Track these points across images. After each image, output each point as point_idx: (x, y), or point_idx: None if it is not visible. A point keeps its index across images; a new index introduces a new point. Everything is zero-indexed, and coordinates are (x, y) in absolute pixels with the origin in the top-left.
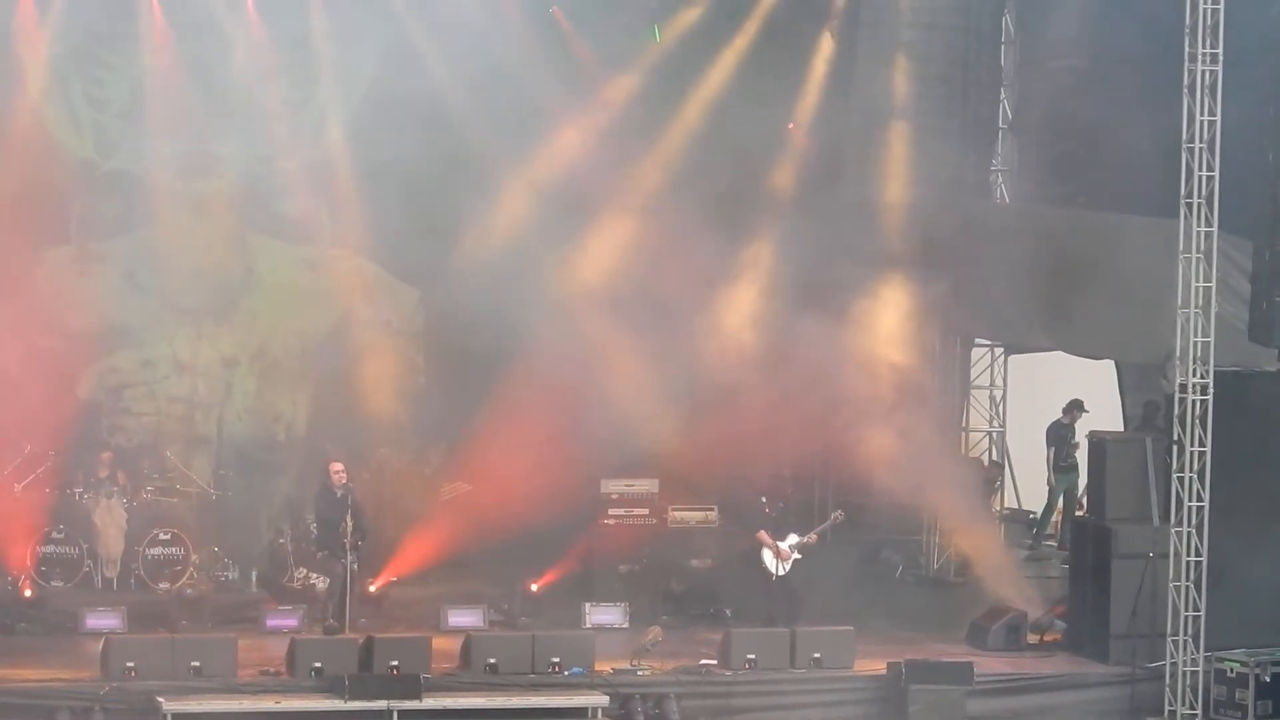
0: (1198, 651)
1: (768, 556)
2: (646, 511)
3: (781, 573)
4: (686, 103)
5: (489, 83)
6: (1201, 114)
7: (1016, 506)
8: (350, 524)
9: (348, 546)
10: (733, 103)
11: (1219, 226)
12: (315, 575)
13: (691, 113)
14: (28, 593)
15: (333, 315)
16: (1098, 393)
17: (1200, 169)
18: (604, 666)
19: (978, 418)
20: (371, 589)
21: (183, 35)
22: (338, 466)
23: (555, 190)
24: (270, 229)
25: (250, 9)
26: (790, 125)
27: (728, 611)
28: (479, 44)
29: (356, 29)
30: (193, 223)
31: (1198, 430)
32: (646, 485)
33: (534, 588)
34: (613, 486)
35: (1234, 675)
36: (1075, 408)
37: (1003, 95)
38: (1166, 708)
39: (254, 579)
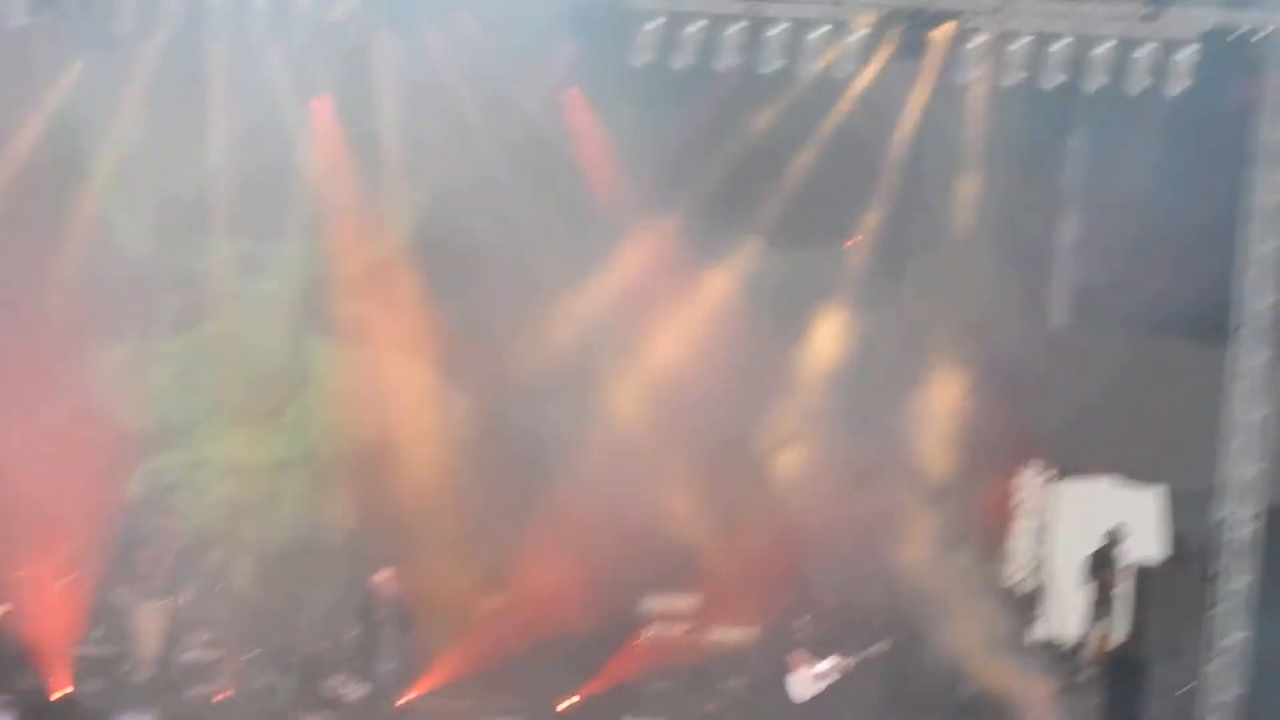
0: None
1: (799, 679)
2: (686, 628)
3: (815, 693)
4: (750, 220)
5: (551, 191)
6: (1259, 242)
7: (1056, 636)
8: (390, 633)
9: (386, 656)
10: (797, 215)
11: (1273, 357)
12: (351, 683)
13: (755, 229)
14: (59, 693)
15: (385, 421)
16: (1142, 521)
17: (1255, 298)
18: None
19: (1021, 545)
20: (406, 700)
21: (248, 132)
22: (386, 575)
23: (612, 304)
24: (327, 331)
25: (320, 108)
26: (848, 243)
27: None
28: (542, 150)
29: (424, 130)
30: (250, 322)
31: (1245, 562)
32: (686, 602)
33: (563, 706)
34: (653, 602)
35: None
36: (1117, 536)
37: (1063, 218)
38: None
39: (293, 685)
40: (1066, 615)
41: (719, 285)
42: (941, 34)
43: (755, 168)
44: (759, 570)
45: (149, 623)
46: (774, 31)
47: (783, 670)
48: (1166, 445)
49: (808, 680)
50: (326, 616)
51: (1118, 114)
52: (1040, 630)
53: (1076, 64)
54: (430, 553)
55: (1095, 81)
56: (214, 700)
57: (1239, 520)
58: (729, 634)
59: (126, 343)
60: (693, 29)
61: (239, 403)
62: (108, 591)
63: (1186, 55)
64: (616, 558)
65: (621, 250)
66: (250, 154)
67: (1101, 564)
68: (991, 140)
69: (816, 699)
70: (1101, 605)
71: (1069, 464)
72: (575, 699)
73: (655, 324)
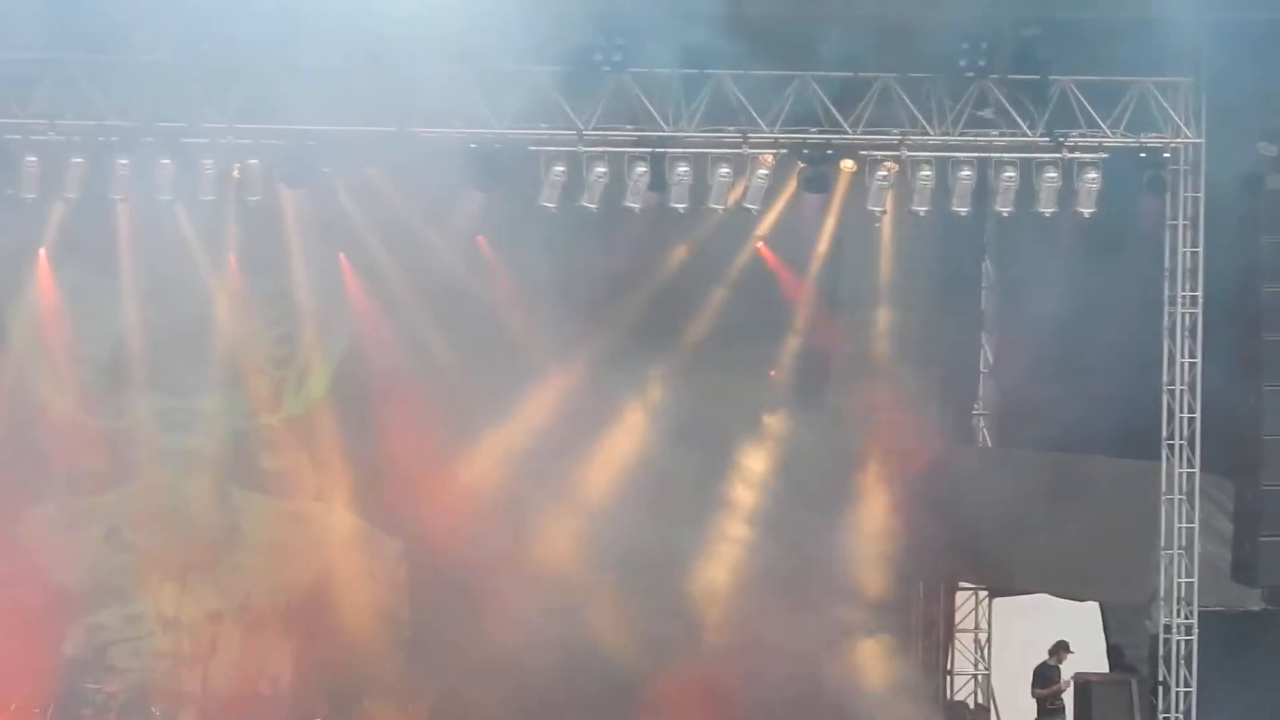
0: None
1: None
2: None
3: None
4: (668, 351)
5: (471, 332)
6: (1182, 356)
7: None
8: None
9: None
10: (712, 357)
11: (1200, 467)
12: None
13: (673, 361)
14: None
15: (317, 569)
16: (1084, 635)
17: (1181, 410)
18: None
19: (963, 661)
20: None
21: (163, 291)
22: None
23: (539, 437)
24: (254, 484)
25: (232, 265)
26: (772, 372)
27: None
28: (460, 295)
29: (337, 284)
30: (176, 478)
31: (1183, 670)
32: None
33: None
34: None
35: None
36: (1061, 649)
37: (983, 340)
38: None
39: None
40: None
41: (639, 416)
42: (845, 167)
43: (670, 302)
44: (697, 696)
45: None
46: (680, 170)
47: None
48: (1098, 560)
49: None
50: None
51: (1030, 235)
52: None
53: (984, 190)
54: (371, 696)
55: (1005, 205)
56: None
57: (1177, 629)
58: None
59: (54, 503)
60: (598, 169)
61: (170, 557)
62: None
63: (1092, 177)
64: (558, 694)
65: (540, 386)
66: (164, 312)
67: (1045, 677)
68: (907, 267)
69: None
70: (1047, 718)
71: (1001, 582)
72: None
73: (578, 455)
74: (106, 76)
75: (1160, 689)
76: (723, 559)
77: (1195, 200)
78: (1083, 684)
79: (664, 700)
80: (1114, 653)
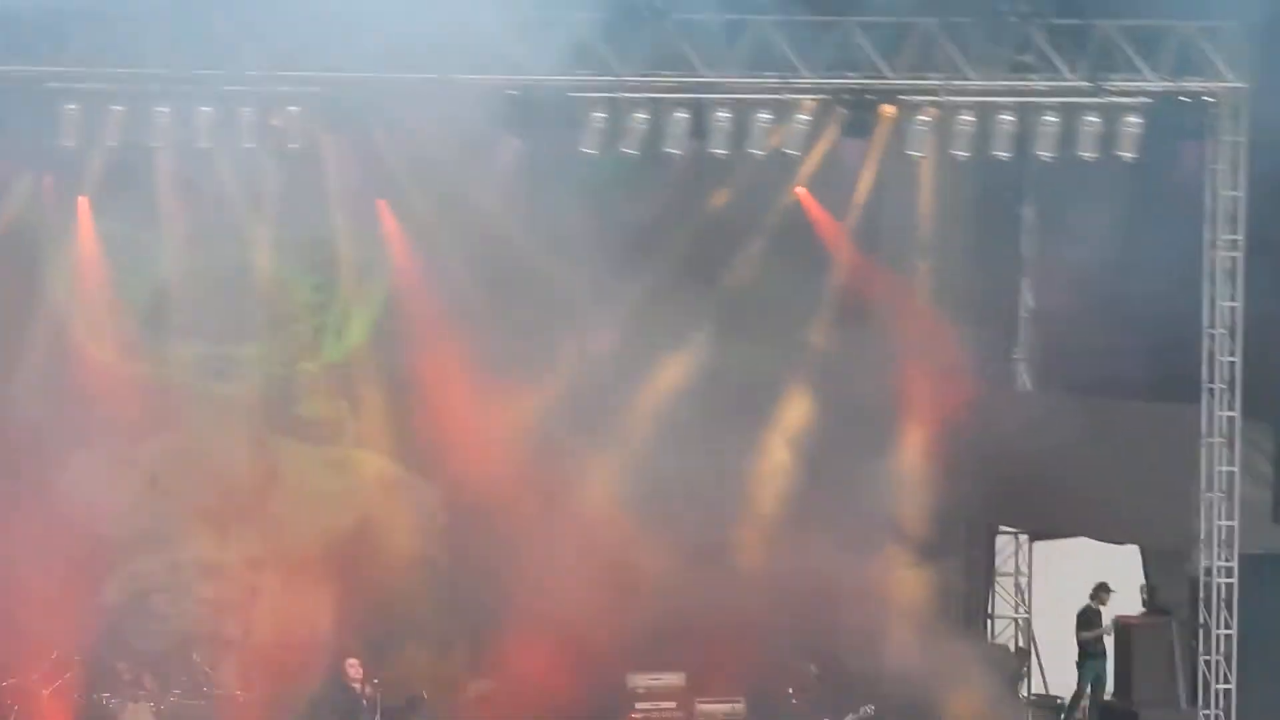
0: None
1: None
2: (674, 705)
3: None
4: (708, 298)
5: (510, 279)
6: (1222, 299)
7: (1044, 693)
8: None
9: None
10: (752, 303)
11: (1241, 411)
12: None
13: (713, 307)
14: None
15: (356, 515)
16: (1124, 577)
17: (1221, 354)
18: None
19: (1003, 604)
20: None
21: (204, 238)
22: (354, 662)
23: (579, 382)
24: (293, 431)
25: (271, 211)
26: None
27: None
28: (498, 243)
29: (378, 229)
30: (215, 426)
31: (1223, 613)
32: (673, 679)
33: None
34: (639, 680)
35: None
36: (1102, 591)
37: (1023, 284)
38: None
39: None
40: (1055, 671)
41: (678, 361)
42: (886, 113)
43: (710, 248)
44: (742, 643)
45: None
46: (720, 116)
47: None
48: (1138, 503)
49: None
50: (311, 710)
51: (1072, 181)
52: (1030, 687)
53: (1026, 135)
54: (412, 642)
55: (1046, 150)
56: None
57: (1218, 572)
58: (717, 708)
59: (95, 450)
60: (638, 116)
61: (210, 504)
62: (95, 697)
63: (1134, 121)
64: (599, 636)
65: (580, 332)
66: (203, 259)
67: (1087, 620)
68: (947, 212)
69: None
70: (1089, 660)
71: (1041, 525)
72: None
73: (617, 400)
74: (146, 24)
75: (1201, 632)
76: (763, 499)
77: (1237, 145)
78: (1122, 627)
79: (705, 637)
80: (1154, 595)
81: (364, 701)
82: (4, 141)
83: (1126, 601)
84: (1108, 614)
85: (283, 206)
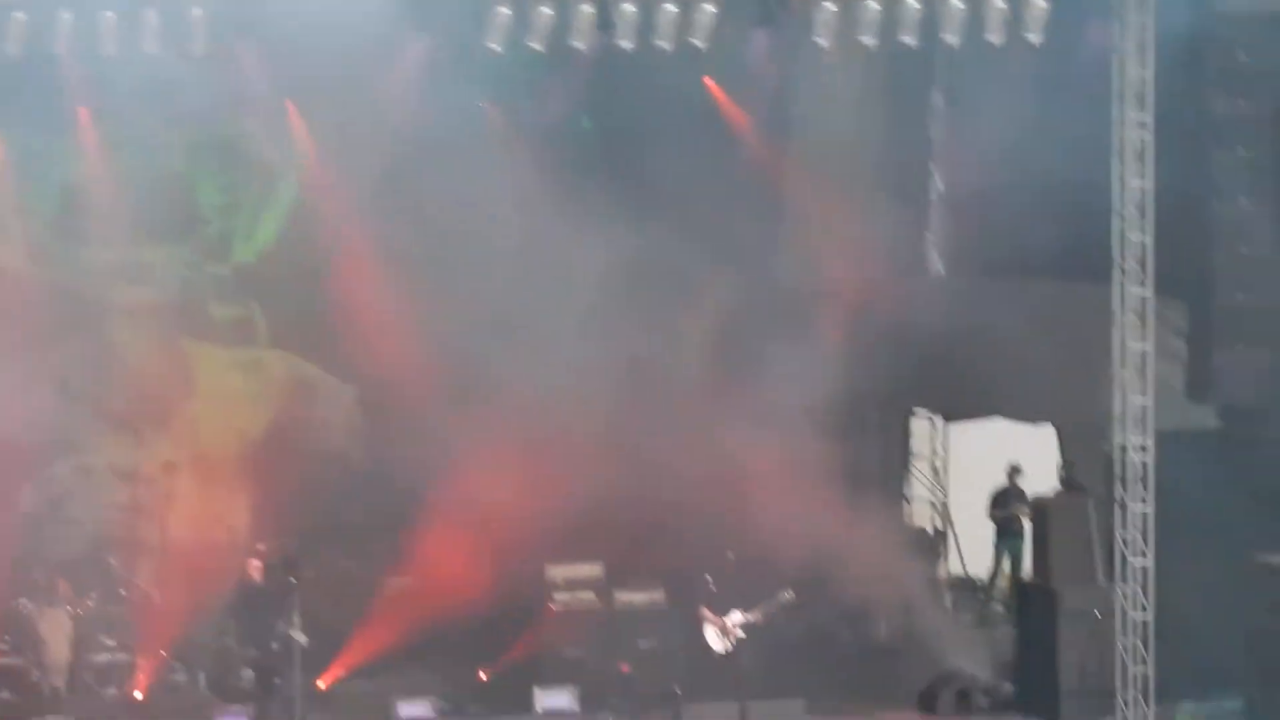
0: (1148, 708)
1: (712, 634)
2: (592, 595)
3: (726, 650)
4: (620, 192)
5: (420, 178)
6: (1131, 178)
7: (963, 574)
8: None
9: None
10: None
11: (1153, 289)
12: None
13: (626, 200)
14: None
15: (271, 416)
16: (1040, 457)
17: (1132, 233)
18: None
19: (920, 487)
20: (321, 685)
21: (111, 143)
22: (256, 564)
23: (493, 281)
24: (205, 333)
25: (179, 115)
26: None
27: (678, 690)
28: (409, 139)
29: (286, 132)
30: (126, 331)
31: (1139, 490)
32: (591, 570)
33: (483, 675)
34: (557, 572)
35: None
36: (1015, 471)
37: (933, 169)
38: None
39: (202, 681)
40: (973, 552)
41: (592, 256)
42: (793, 1)
43: (620, 141)
44: (659, 531)
45: (55, 631)
46: (626, 8)
47: (693, 627)
48: (1052, 383)
49: (719, 634)
50: (229, 611)
51: (980, 66)
52: (949, 568)
53: (933, 20)
54: (329, 541)
55: (953, 35)
56: (128, 701)
57: (1133, 449)
58: (636, 597)
59: (5, 358)
60: (543, 10)
61: (124, 409)
62: (11, 603)
63: (1040, 5)
64: (517, 530)
65: (494, 231)
66: (111, 164)
67: (1003, 499)
68: (856, 99)
69: (731, 651)
70: (1006, 539)
71: (956, 407)
72: (488, 672)
73: (535, 299)
74: None
75: (1117, 509)
76: (679, 387)
77: (1144, 24)
78: (1040, 505)
79: (623, 527)
80: (1071, 474)
81: (270, 600)
82: None
83: (1048, 481)
84: (1023, 494)
85: (190, 110)
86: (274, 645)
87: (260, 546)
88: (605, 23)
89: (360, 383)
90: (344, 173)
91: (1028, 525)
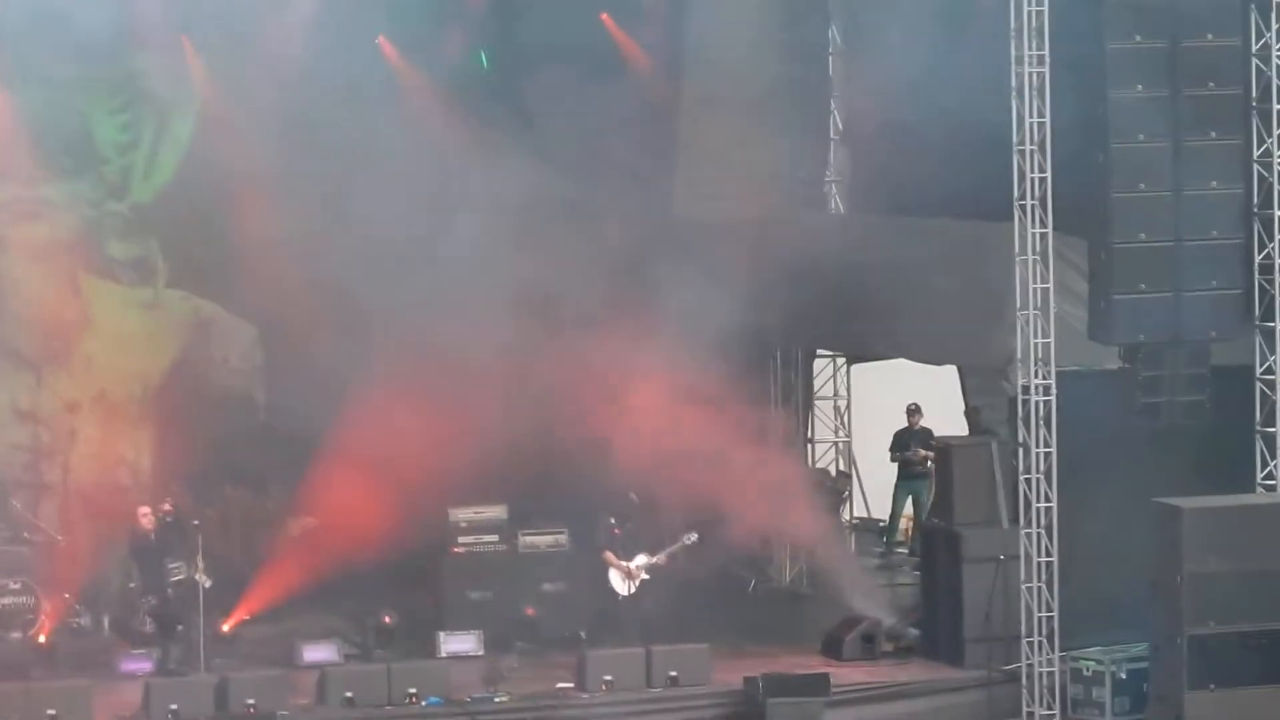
0: (1053, 651)
1: (615, 577)
2: (496, 538)
3: (629, 593)
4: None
5: (315, 114)
6: (1030, 116)
7: (866, 515)
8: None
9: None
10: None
11: (1053, 227)
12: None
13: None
14: None
15: (171, 356)
16: (942, 398)
17: (1032, 171)
18: (461, 695)
19: (823, 429)
20: (225, 629)
21: (7, 80)
22: (145, 510)
23: (389, 217)
24: (105, 272)
25: (76, 51)
26: None
27: (582, 634)
28: (305, 77)
29: (183, 68)
30: (26, 268)
31: (1042, 431)
32: (495, 512)
33: (386, 619)
34: (461, 514)
35: (1090, 674)
36: (914, 413)
37: (833, 106)
38: (1024, 709)
39: (106, 624)
40: (877, 495)
41: (492, 195)
42: None
43: (518, 79)
44: (562, 473)
45: None
46: None
47: (597, 570)
48: (954, 324)
49: (623, 578)
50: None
51: (877, 2)
52: (853, 510)
53: None
54: (231, 480)
55: None
56: (32, 645)
57: (1035, 390)
58: (540, 539)
59: None
60: None
61: (23, 349)
62: None
63: None
64: (420, 472)
65: (389, 166)
66: (8, 101)
67: (903, 440)
68: (754, 37)
69: (635, 594)
70: (908, 481)
71: (857, 348)
72: (393, 616)
73: (431, 235)
74: None
75: (1020, 450)
76: (579, 323)
77: None
78: (943, 447)
79: (526, 468)
80: (973, 415)
81: (163, 547)
82: None
83: (953, 423)
84: (924, 436)
85: (85, 45)
86: (169, 591)
87: (151, 499)
88: None
89: (260, 322)
90: (241, 110)
91: (931, 467)
